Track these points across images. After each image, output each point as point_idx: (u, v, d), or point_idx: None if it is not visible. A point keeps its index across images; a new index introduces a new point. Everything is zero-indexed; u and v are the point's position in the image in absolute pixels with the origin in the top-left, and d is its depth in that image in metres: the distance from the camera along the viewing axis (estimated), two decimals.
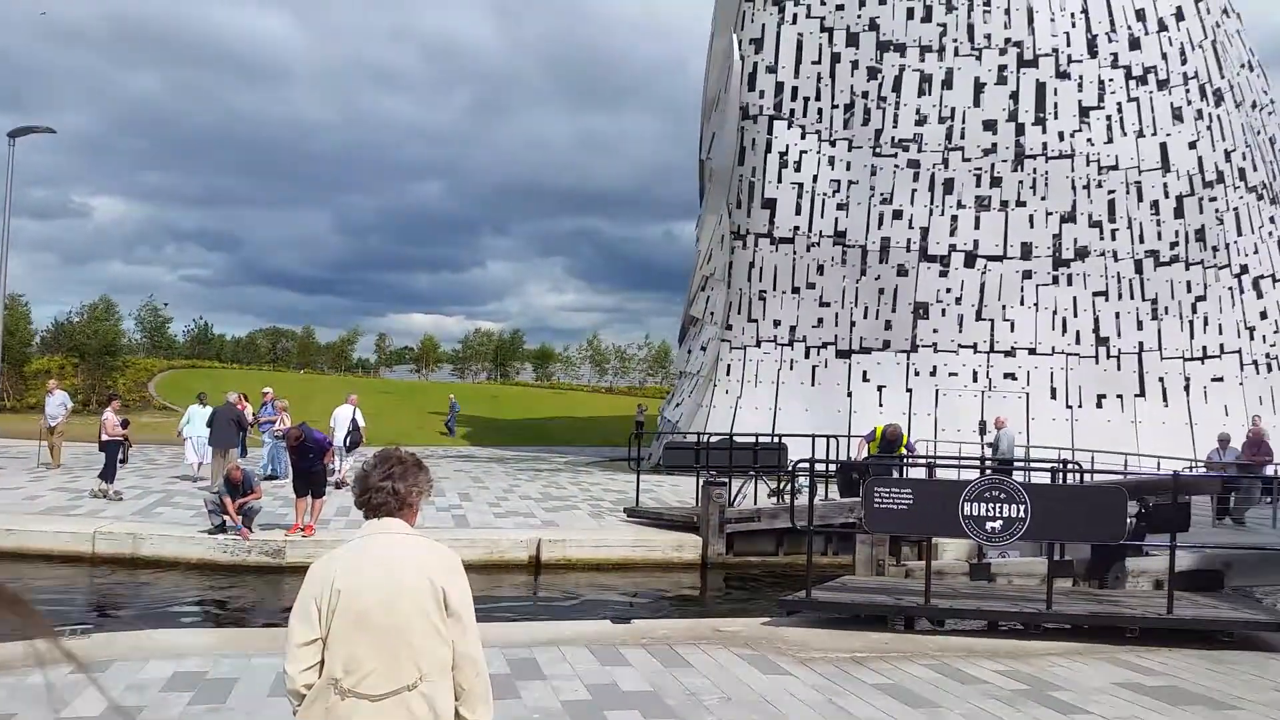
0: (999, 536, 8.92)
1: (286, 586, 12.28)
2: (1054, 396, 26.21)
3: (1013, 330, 26.53)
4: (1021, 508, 8.78)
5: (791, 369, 27.55)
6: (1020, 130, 26.70)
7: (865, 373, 27.00)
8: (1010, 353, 26.50)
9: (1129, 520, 10.52)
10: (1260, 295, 27.51)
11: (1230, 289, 27.10)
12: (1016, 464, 18.47)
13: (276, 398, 21.97)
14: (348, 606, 2.94)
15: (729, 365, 27.99)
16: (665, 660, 7.87)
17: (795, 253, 27.81)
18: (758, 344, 27.87)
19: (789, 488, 15.74)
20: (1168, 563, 9.93)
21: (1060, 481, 12.35)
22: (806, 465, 11.92)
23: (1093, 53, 26.95)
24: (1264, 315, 27.43)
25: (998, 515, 8.80)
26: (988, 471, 15.39)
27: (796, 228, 27.76)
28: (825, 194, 27.70)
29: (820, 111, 27.95)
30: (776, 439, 21.68)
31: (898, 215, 27.10)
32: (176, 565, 13.52)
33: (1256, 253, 27.69)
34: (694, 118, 33.73)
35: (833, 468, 16.81)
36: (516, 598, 12.70)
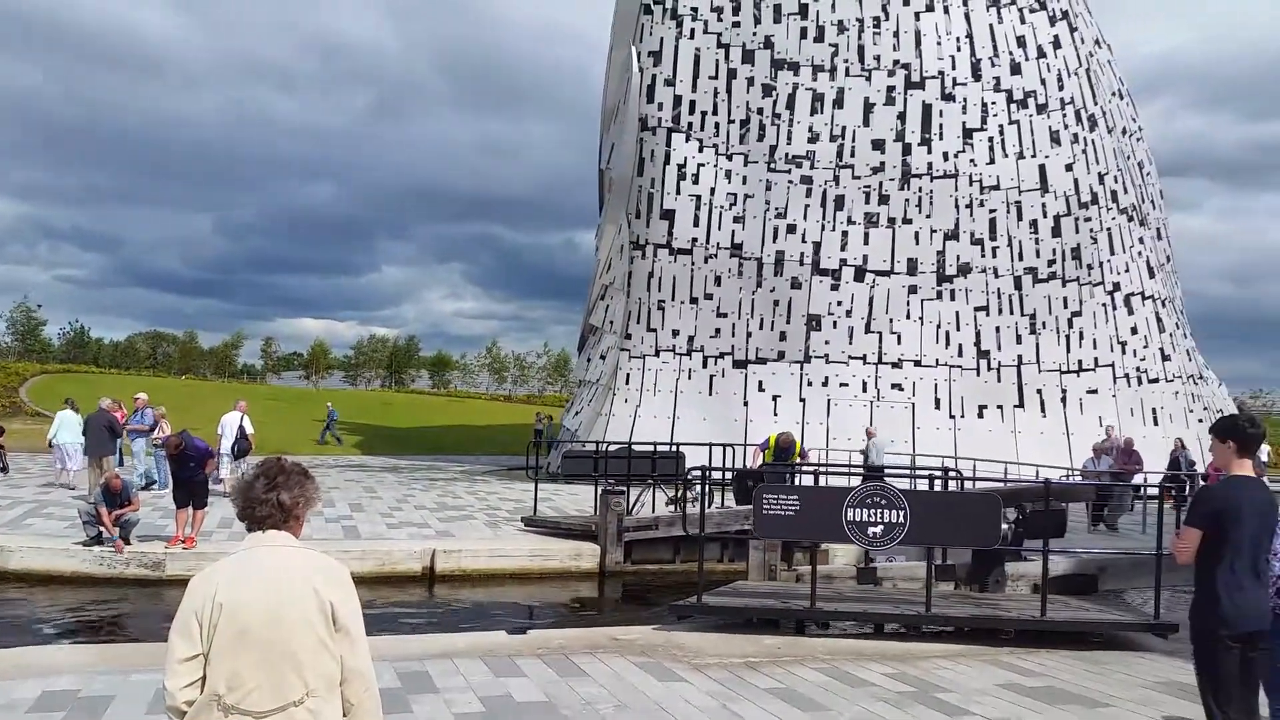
0: (880, 541, 9.22)
1: (166, 600, 11.78)
2: (938, 407, 27.17)
3: (899, 343, 27.41)
4: (901, 513, 9.09)
5: (689, 378, 27.85)
6: (907, 150, 27.65)
7: (761, 382, 27.50)
8: (897, 364, 27.37)
9: (1006, 526, 11.01)
10: (1131, 312, 29.09)
11: (1104, 305, 28.58)
12: (890, 470, 19.03)
13: (152, 404, 21.06)
14: (230, 621, 2.86)
15: (628, 374, 28.12)
16: (561, 670, 7.85)
17: (693, 263, 28.15)
18: (656, 353, 28.09)
19: (686, 496, 15.90)
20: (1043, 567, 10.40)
21: (940, 488, 12.82)
22: (702, 473, 12.07)
23: (976, 76, 28.14)
24: (1134, 331, 29.01)
25: (879, 520, 9.10)
26: (880, 479, 15.84)
27: (694, 239, 28.11)
28: (722, 206, 28.14)
29: (717, 126, 28.40)
30: (675, 447, 21.90)
31: (791, 229, 27.72)
32: (49, 580, 12.82)
33: (1127, 271, 29.27)
34: (595, 126, 33.85)
35: (729, 476, 17.05)
36: (410, 610, 12.46)
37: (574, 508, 19.26)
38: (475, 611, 12.55)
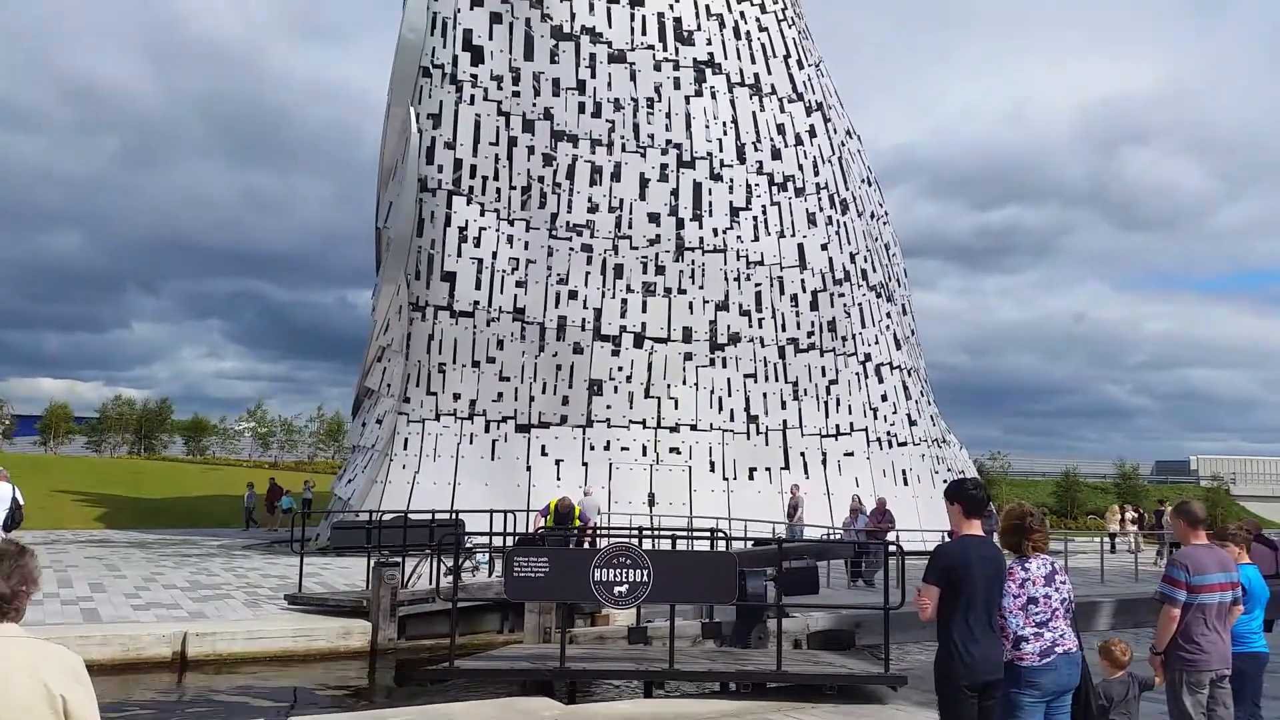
0: (625, 599, 9.49)
1: None
2: (713, 469, 28.25)
3: (676, 408, 28.38)
4: (645, 572, 9.41)
5: (471, 443, 27.49)
6: (680, 224, 28.99)
7: (544, 447, 27.55)
8: (675, 429, 28.28)
9: (764, 584, 11.56)
10: (881, 380, 31.57)
11: (857, 374, 30.87)
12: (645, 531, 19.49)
13: None
14: None
15: (406, 439, 27.39)
16: None
17: (475, 326, 28.02)
18: (437, 417, 27.57)
19: (464, 565, 15.57)
20: (805, 623, 10.97)
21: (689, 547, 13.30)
22: (482, 538, 11.93)
23: (741, 159, 30.02)
24: (884, 398, 31.46)
25: (624, 580, 9.38)
26: (674, 541, 16.19)
27: (476, 302, 28.03)
28: (505, 270, 28.27)
29: (499, 191, 28.64)
30: (454, 515, 21.45)
31: (573, 295, 28.23)
32: None
33: (877, 343, 31.83)
34: (369, 183, 33.22)
35: (510, 542, 16.87)
36: (156, 702, 11.40)
37: (344, 582, 18.38)
38: (230, 702, 11.65)
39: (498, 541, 17.26)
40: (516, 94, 28.93)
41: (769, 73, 30.76)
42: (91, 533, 33.10)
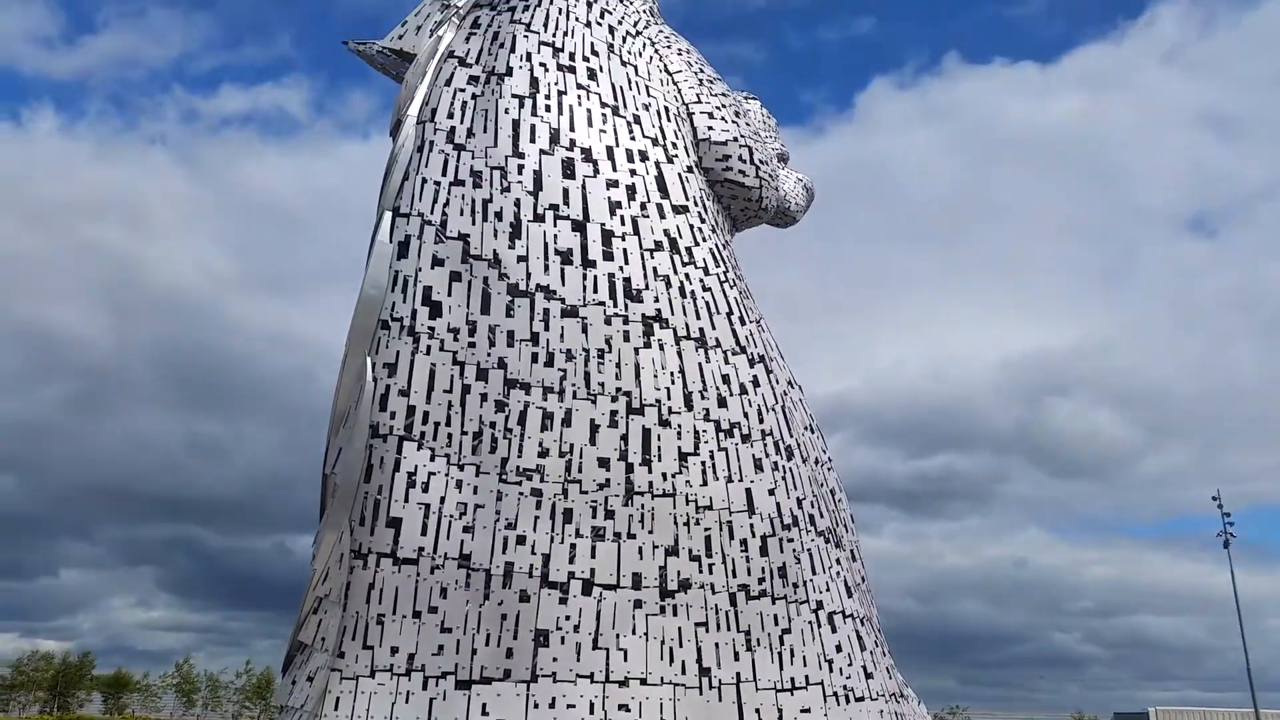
0: None
1: None
2: None
3: (626, 659, 27.38)
4: None
5: (408, 702, 26.08)
6: (630, 469, 29.26)
7: (485, 705, 26.18)
8: (624, 683, 27.15)
9: None
10: (834, 630, 30.95)
11: (810, 623, 30.27)
12: None
13: None
14: None
15: (338, 698, 25.94)
16: None
17: (418, 574, 27.39)
18: (372, 674, 26.28)
19: None
20: None
21: None
22: None
23: (689, 407, 30.81)
24: (839, 649, 30.71)
25: None
26: None
27: (421, 548, 27.55)
28: (452, 515, 28.03)
29: (450, 436, 28.93)
30: None
31: (521, 541, 27.90)
32: None
33: (829, 590, 31.48)
34: (318, 429, 33.34)
35: None
36: None
37: None
38: None
39: None
40: (472, 345, 29.92)
41: (713, 327, 32.26)
42: None
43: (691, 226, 32.95)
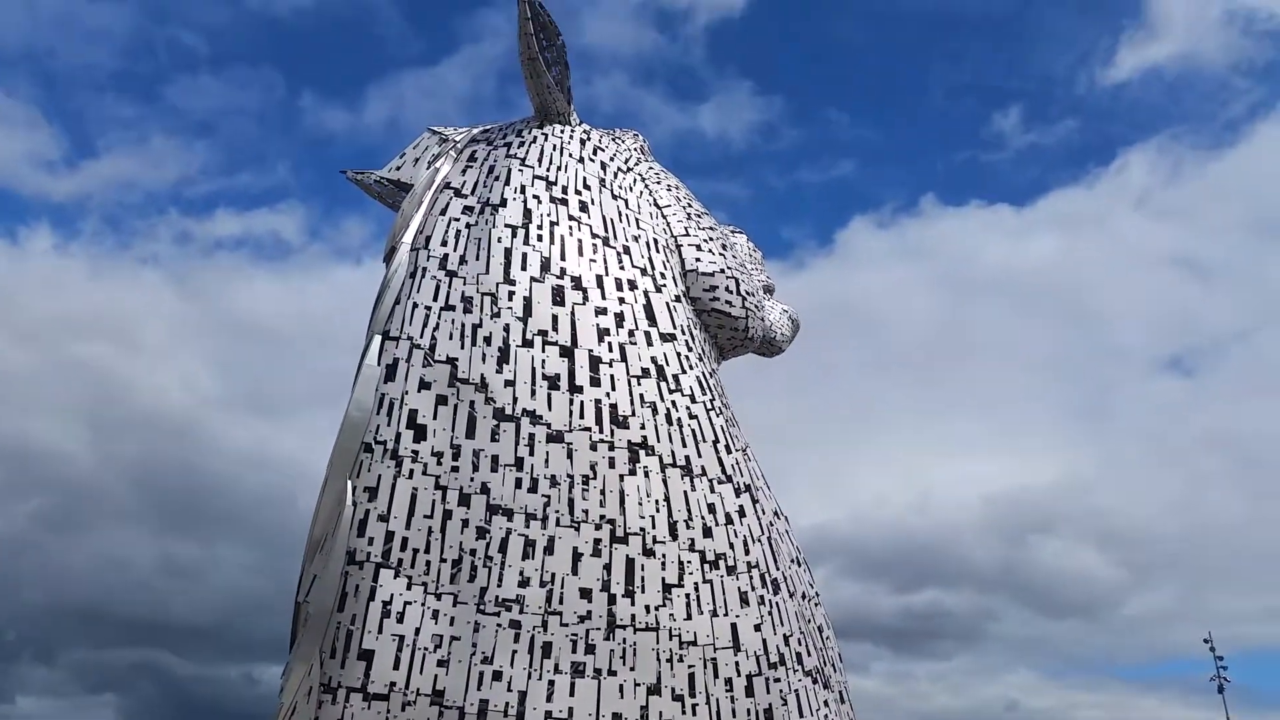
0: None
1: None
2: None
3: None
4: None
5: None
6: (613, 600, 28.45)
7: None
8: None
9: None
10: None
11: None
12: None
13: None
14: None
15: None
16: None
17: (389, 711, 26.17)
18: None
19: None
20: None
21: None
22: None
23: (674, 536, 30.24)
24: None
25: None
26: None
27: (393, 683, 26.41)
28: (426, 648, 27.01)
29: (429, 564, 28.18)
30: None
31: (497, 676, 26.84)
32: None
33: None
34: (294, 554, 32.48)
35: None
36: None
37: None
38: None
39: None
40: (455, 469, 29.50)
41: (699, 455, 32.00)
42: None
43: (678, 354, 33.13)
